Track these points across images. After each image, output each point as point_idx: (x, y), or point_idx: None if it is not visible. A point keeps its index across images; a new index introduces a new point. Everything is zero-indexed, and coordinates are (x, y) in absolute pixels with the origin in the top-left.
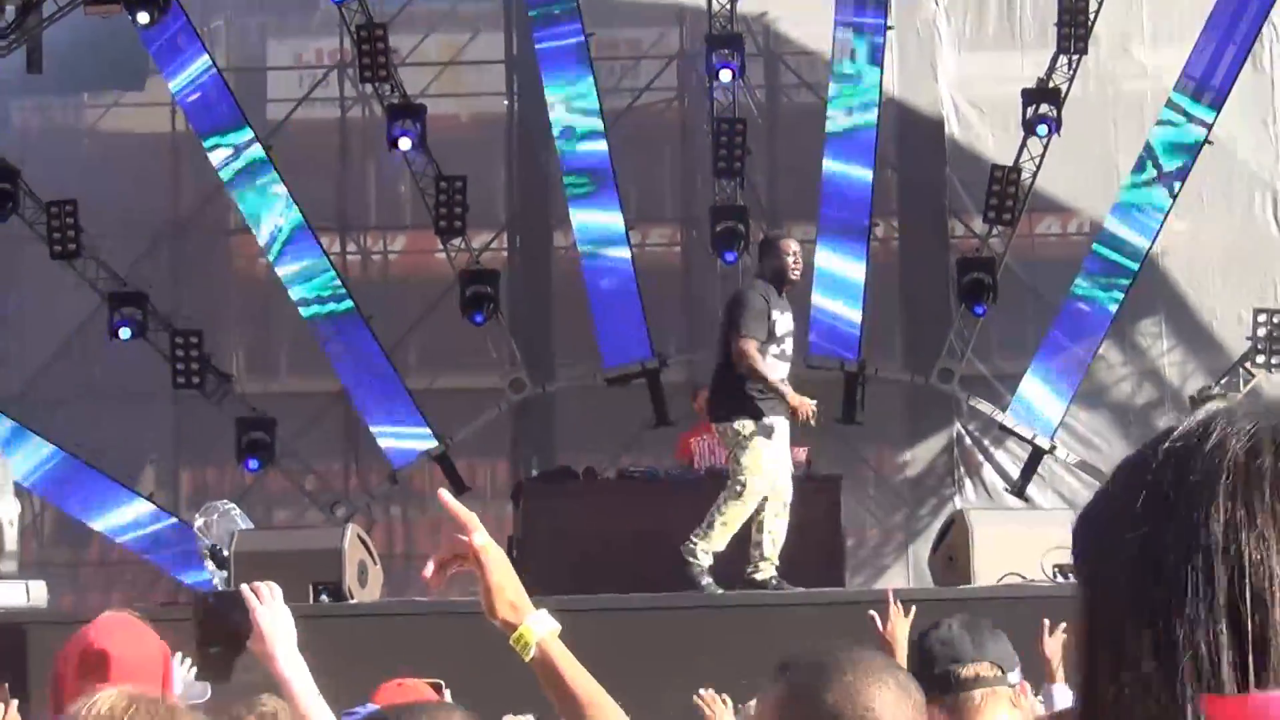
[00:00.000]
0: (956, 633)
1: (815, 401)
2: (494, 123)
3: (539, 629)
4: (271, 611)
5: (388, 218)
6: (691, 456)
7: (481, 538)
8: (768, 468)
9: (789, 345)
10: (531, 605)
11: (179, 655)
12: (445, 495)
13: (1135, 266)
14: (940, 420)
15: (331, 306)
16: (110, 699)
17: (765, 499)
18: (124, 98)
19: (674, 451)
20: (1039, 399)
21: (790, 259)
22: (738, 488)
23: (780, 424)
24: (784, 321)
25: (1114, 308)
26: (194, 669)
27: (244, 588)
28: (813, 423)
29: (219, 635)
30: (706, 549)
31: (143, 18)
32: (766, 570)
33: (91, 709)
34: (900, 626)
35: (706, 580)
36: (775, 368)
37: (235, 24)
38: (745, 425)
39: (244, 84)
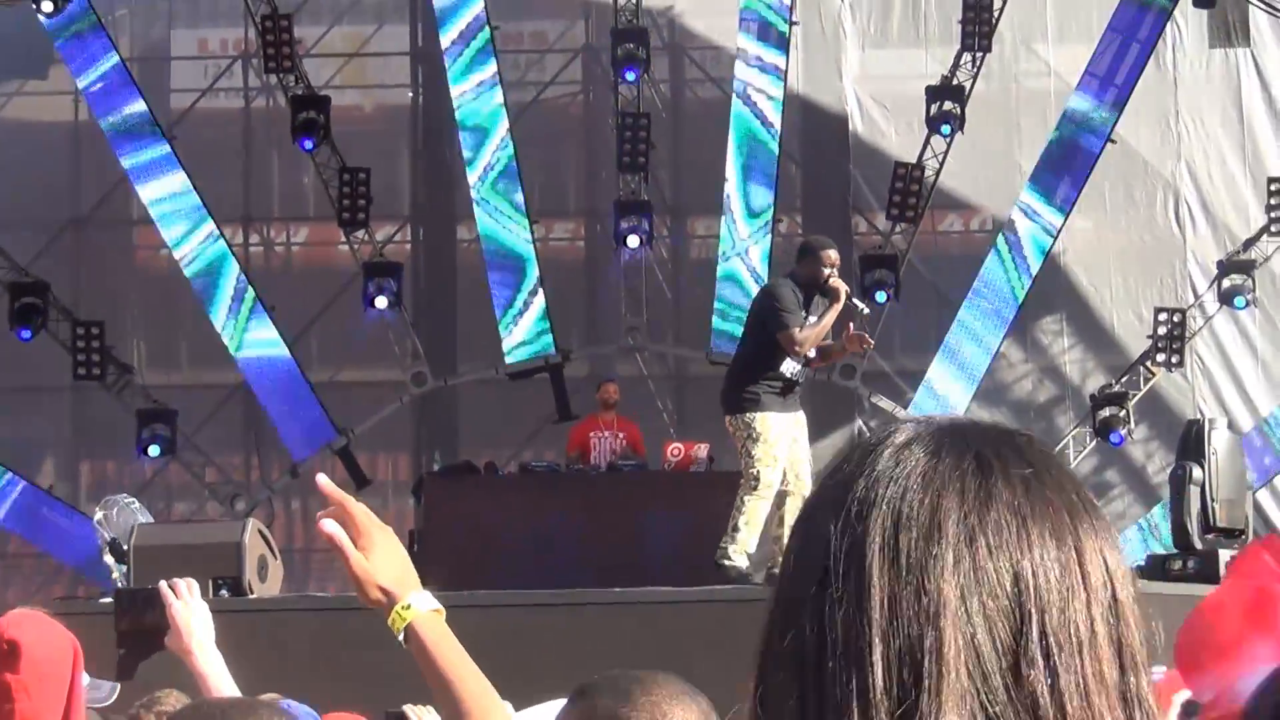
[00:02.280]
0: None
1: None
2: (398, 115)
3: (412, 611)
4: (189, 608)
5: (291, 209)
6: (581, 450)
7: (330, 525)
8: (781, 458)
9: None
10: (415, 585)
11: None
12: (323, 480)
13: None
14: (842, 416)
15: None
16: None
17: (787, 495)
18: (26, 86)
19: (566, 444)
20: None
21: (827, 270)
22: (753, 483)
23: (793, 419)
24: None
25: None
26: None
27: (162, 584)
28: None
29: (134, 632)
30: (737, 550)
31: (46, 6)
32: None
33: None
34: None
35: (747, 573)
36: (790, 366)
37: (139, 13)
38: (755, 418)
39: (147, 73)
